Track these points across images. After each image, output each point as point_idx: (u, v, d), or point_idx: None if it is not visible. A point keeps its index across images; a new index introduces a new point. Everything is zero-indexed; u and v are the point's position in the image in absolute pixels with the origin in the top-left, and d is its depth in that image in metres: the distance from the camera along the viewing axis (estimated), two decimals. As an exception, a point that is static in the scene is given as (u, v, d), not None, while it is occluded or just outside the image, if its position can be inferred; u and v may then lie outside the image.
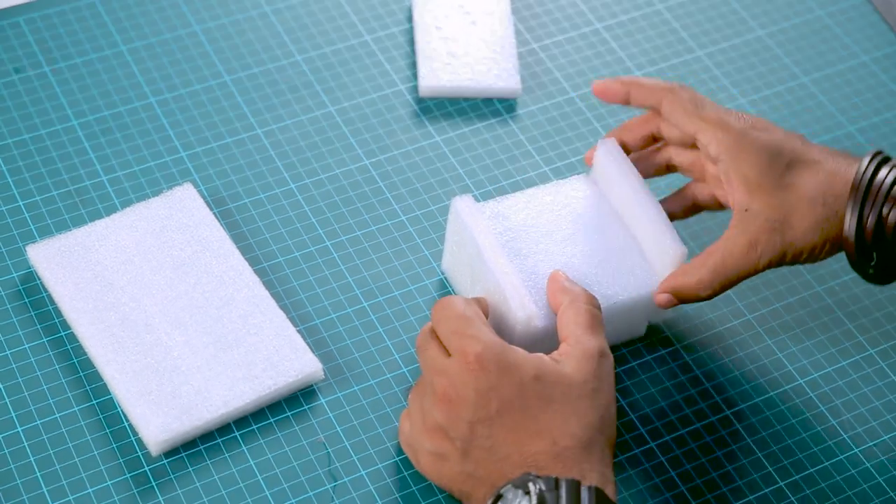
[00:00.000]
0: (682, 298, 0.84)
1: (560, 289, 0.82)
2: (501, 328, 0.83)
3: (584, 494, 0.70)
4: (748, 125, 0.84)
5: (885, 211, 0.80)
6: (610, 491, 0.73)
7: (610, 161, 0.89)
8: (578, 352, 0.77)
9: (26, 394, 0.84)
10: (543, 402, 0.74)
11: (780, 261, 0.83)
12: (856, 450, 0.86)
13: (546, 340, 0.82)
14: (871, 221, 0.80)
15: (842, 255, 0.88)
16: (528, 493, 0.70)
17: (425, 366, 0.78)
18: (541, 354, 0.77)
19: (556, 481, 0.71)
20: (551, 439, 0.73)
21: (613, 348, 0.89)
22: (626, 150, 0.89)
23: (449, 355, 0.77)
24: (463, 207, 0.86)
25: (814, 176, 0.82)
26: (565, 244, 0.87)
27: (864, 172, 0.81)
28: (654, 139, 0.90)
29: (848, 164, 0.83)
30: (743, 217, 0.82)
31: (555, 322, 0.82)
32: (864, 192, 0.80)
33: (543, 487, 0.70)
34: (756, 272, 0.83)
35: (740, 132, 0.84)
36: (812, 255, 0.83)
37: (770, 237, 0.82)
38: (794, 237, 0.82)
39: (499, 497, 0.72)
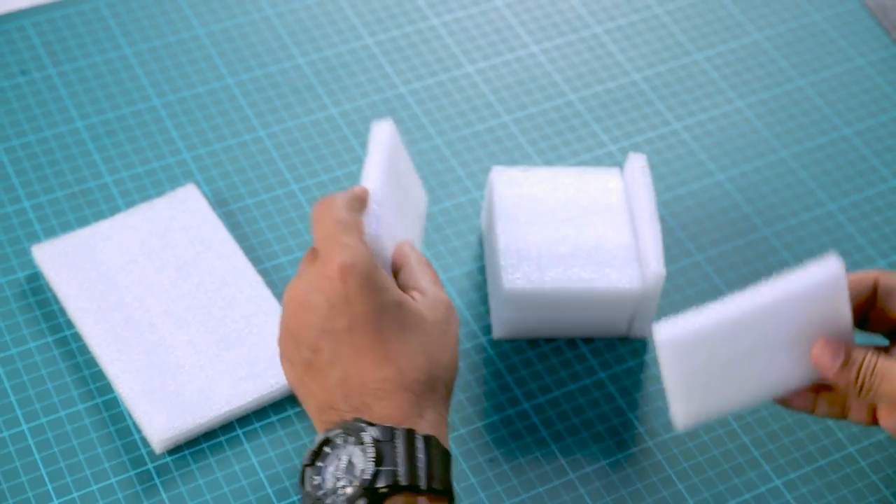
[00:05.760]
0: (845, 362, 0.75)
1: (405, 250, 0.79)
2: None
3: (420, 445, 0.69)
4: None
5: None
6: (444, 432, 0.72)
7: (637, 175, 0.91)
8: (431, 297, 0.75)
9: (31, 392, 0.85)
10: (398, 329, 0.72)
11: None
12: (851, 449, 0.86)
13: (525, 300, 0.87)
14: None
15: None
16: (361, 442, 0.69)
17: (299, 270, 0.76)
18: (413, 292, 0.76)
19: (391, 432, 0.69)
20: (398, 368, 0.72)
21: (602, 343, 0.90)
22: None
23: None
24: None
25: None
26: (564, 224, 0.90)
27: None
28: (868, 302, 0.79)
29: None
30: None
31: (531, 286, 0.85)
32: None
33: (379, 437, 0.69)
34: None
35: None
36: None
37: None
38: None
39: (326, 441, 0.70)
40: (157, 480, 0.81)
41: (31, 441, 0.82)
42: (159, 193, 0.95)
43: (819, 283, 0.74)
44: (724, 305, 0.74)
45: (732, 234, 0.97)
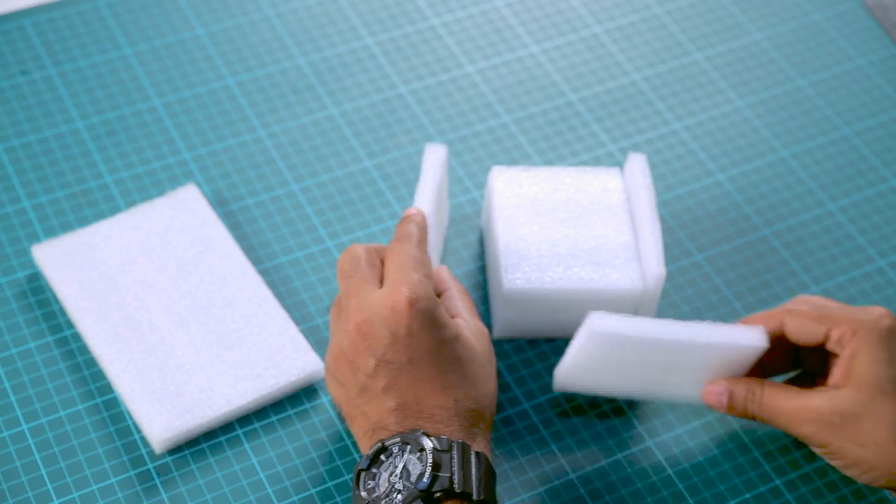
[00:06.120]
0: (729, 403, 0.82)
1: (445, 277, 0.84)
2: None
3: (473, 459, 0.73)
4: (890, 323, 0.80)
5: None
6: (490, 458, 0.76)
7: (638, 175, 0.91)
8: (473, 328, 0.80)
9: (31, 392, 0.85)
10: (455, 362, 0.77)
11: (819, 445, 0.80)
12: (851, 448, 0.86)
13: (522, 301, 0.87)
14: None
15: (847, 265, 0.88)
16: (421, 449, 0.72)
17: (349, 290, 0.79)
18: (458, 321, 0.80)
19: (449, 443, 0.73)
20: (454, 398, 0.76)
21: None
22: None
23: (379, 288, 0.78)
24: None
25: None
26: (564, 224, 0.90)
27: None
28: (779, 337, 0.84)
29: None
30: (825, 389, 0.79)
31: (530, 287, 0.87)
32: None
33: (437, 446, 0.73)
34: (793, 432, 0.80)
35: (876, 328, 0.79)
36: (855, 468, 0.79)
37: (830, 419, 0.78)
38: (850, 439, 0.78)
39: (382, 448, 0.74)
40: (157, 480, 0.81)
41: (31, 441, 0.82)
42: (159, 193, 0.95)
43: (742, 347, 0.81)
44: (655, 324, 0.80)
45: (732, 233, 0.97)
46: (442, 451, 0.73)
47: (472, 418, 0.76)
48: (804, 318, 0.81)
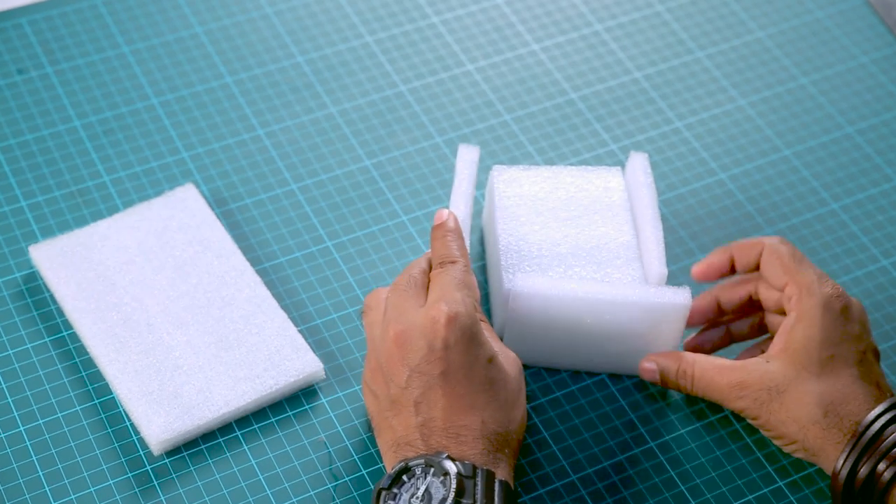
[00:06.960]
0: (663, 379, 0.86)
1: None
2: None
3: (496, 487, 0.73)
4: (837, 304, 0.82)
5: (880, 467, 0.78)
6: (513, 485, 0.76)
7: (639, 174, 0.91)
8: (506, 356, 0.80)
9: (28, 393, 0.84)
10: (487, 384, 0.76)
11: (752, 418, 0.83)
12: (854, 449, 0.86)
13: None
14: (863, 472, 0.78)
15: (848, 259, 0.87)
16: (445, 473, 0.72)
17: (393, 301, 0.79)
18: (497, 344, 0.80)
19: (473, 469, 0.73)
20: (481, 419, 0.76)
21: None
22: (721, 309, 0.87)
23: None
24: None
25: (837, 382, 0.80)
26: (565, 223, 0.90)
27: (875, 422, 0.78)
28: (750, 301, 0.87)
29: (874, 397, 0.80)
30: (757, 362, 0.82)
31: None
32: (868, 442, 0.78)
33: (462, 472, 0.72)
34: (727, 406, 0.83)
35: (823, 304, 0.82)
36: (780, 440, 0.82)
37: (758, 395, 0.81)
38: (775, 414, 0.81)
39: (406, 469, 0.74)
40: (155, 482, 0.81)
41: (28, 443, 0.82)
42: (157, 193, 0.95)
43: (665, 304, 0.83)
44: (578, 284, 0.83)
45: (735, 233, 0.97)
46: (466, 476, 0.73)
47: (498, 442, 0.76)
48: (779, 260, 0.84)
